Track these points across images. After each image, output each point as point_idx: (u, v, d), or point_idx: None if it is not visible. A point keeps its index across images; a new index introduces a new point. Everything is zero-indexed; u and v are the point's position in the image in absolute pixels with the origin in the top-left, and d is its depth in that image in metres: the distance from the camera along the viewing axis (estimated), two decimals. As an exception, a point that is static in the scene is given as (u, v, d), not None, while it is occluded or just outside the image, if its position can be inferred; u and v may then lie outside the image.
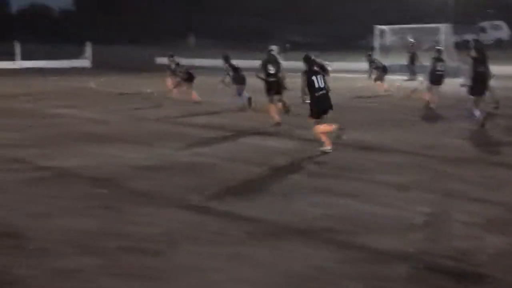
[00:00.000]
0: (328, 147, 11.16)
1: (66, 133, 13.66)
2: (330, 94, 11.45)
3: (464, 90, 14.53)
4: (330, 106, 11.42)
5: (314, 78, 11.29)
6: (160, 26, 79.62)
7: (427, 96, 17.93)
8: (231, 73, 18.87)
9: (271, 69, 14.88)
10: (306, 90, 11.28)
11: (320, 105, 11.30)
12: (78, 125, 15.04)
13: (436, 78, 17.82)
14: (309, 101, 11.32)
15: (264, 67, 15.06)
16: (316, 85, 11.25)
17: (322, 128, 11.24)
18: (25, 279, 5.34)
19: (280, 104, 15.25)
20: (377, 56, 34.00)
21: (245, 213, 7.30)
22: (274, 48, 15.50)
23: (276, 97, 14.77)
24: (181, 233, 6.54)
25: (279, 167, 10.00)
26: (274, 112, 14.78)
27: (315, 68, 11.44)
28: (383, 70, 22.90)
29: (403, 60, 31.58)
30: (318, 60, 11.69)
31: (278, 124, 14.52)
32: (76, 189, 8.57)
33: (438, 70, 17.88)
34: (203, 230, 6.64)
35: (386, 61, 33.97)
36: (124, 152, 11.26)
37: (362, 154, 11.12)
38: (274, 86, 14.79)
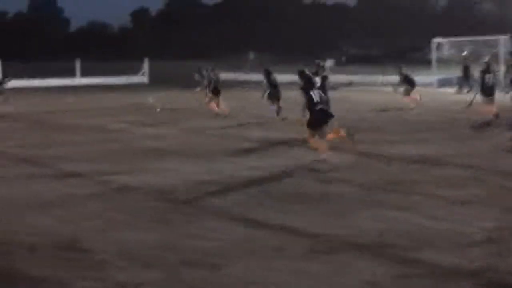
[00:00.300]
0: (324, 155, 11.47)
1: (124, 148, 13.89)
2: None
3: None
4: (330, 116, 11.81)
5: (312, 93, 11.61)
6: (219, 41, 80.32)
7: (487, 109, 17.69)
8: (267, 89, 19.17)
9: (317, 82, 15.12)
10: (306, 106, 11.67)
11: (319, 119, 11.61)
12: (136, 140, 15.27)
13: (486, 91, 17.76)
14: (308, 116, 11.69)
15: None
16: (315, 100, 11.56)
17: (329, 137, 11.91)
18: (86, 292, 5.43)
19: None
20: (435, 69, 33.63)
21: (304, 227, 7.29)
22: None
23: None
24: (241, 247, 6.57)
25: (337, 182, 9.94)
26: None
27: (312, 82, 11.91)
28: (409, 84, 22.51)
29: (460, 73, 31.15)
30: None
31: None
32: (135, 203, 8.70)
33: (487, 82, 17.84)
34: (262, 245, 6.65)
35: (444, 74, 33.56)
36: (183, 167, 11.39)
37: (419, 168, 10.98)
38: None
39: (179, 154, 12.94)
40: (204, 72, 21.86)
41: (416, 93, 22.46)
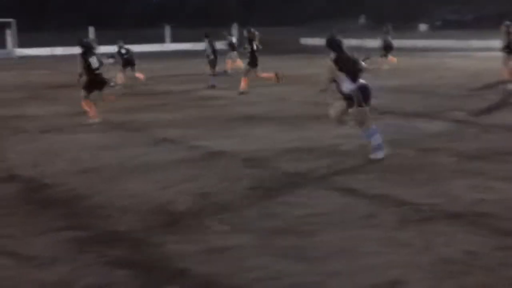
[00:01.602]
0: (94, 120, 13.17)
1: (216, 114, 13.99)
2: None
3: None
4: (104, 83, 13.50)
5: (91, 59, 13.20)
6: (314, 5, 79.06)
7: None
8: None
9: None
10: (84, 71, 13.28)
11: (92, 84, 13.24)
12: (227, 106, 15.36)
13: None
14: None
15: None
16: (93, 66, 13.21)
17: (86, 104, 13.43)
18: (180, 255, 5.49)
19: None
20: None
21: (396, 196, 7.13)
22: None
23: None
24: (331, 215, 6.48)
25: (430, 149, 9.68)
26: None
27: (93, 50, 13.57)
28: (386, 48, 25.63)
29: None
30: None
31: None
32: (227, 169, 8.74)
33: None
34: (352, 213, 6.56)
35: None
36: (272, 133, 11.38)
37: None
38: None
39: (271, 120, 12.92)
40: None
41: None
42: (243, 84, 18.14)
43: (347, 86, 8.93)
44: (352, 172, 8.35)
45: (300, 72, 25.02)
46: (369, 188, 7.49)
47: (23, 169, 9.05)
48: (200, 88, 19.88)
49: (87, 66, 13.20)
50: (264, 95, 17.51)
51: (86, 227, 6.29)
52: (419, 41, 45.92)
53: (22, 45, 45.99)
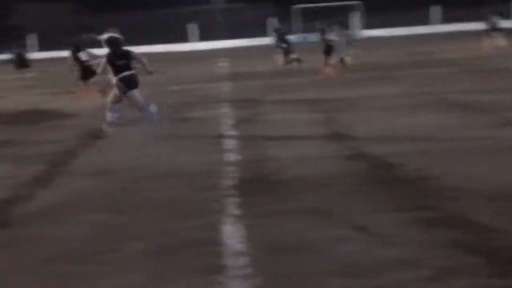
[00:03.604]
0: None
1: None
2: None
3: None
4: (93, 73, 15.40)
5: (79, 54, 16.58)
6: None
7: None
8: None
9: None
10: (75, 64, 16.92)
11: (85, 74, 16.50)
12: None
13: None
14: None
15: None
16: (82, 59, 16.31)
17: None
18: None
19: None
20: None
21: None
22: None
23: None
24: None
25: None
26: None
27: (82, 47, 16.95)
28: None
29: None
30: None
31: None
32: None
33: None
34: None
35: None
36: None
37: None
38: None
39: None
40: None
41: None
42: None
43: (113, 77, 11.48)
44: None
45: None
46: None
47: (370, 147, 9.38)
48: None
49: (78, 60, 16.70)
50: None
51: (433, 208, 6.27)
52: None
53: (368, 26, 47.66)
